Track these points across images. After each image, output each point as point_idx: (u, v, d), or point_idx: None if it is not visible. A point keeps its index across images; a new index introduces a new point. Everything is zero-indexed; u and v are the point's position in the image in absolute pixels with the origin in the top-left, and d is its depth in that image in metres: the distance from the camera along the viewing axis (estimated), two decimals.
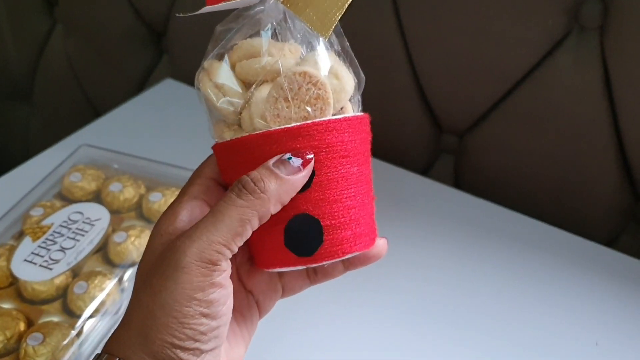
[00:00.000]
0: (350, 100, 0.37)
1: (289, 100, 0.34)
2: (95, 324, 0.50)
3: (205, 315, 0.32)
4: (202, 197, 0.36)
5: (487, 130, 0.70)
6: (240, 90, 0.36)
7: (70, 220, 0.57)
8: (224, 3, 0.36)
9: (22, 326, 0.49)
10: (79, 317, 0.49)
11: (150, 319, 0.31)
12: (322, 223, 0.35)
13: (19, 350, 0.47)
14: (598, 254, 0.61)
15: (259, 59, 0.35)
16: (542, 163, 0.67)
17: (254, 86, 0.35)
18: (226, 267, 0.32)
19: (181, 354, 0.31)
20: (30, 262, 0.53)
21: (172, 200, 0.58)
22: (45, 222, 0.57)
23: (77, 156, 0.66)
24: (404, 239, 0.61)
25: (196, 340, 0.32)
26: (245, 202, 0.32)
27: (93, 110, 1.02)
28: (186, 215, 0.34)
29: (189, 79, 0.87)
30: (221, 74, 0.36)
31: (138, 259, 0.54)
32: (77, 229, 0.56)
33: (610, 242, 0.68)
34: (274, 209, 0.33)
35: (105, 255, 0.55)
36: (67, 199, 0.61)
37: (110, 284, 0.52)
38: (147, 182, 0.63)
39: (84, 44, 0.98)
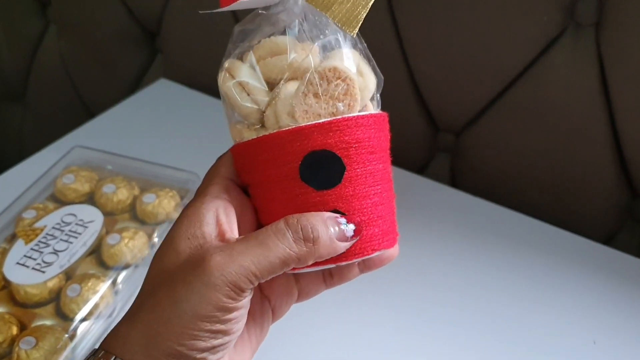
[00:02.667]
0: (371, 98, 0.37)
1: (319, 96, 0.34)
2: (89, 327, 0.49)
3: (220, 332, 0.31)
4: (223, 196, 0.35)
5: (483, 129, 0.69)
6: (265, 88, 0.35)
7: (63, 222, 0.57)
8: (240, 1, 0.35)
9: (14, 330, 0.48)
10: (72, 320, 0.49)
11: (163, 325, 0.31)
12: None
13: (11, 354, 0.46)
14: (595, 252, 0.60)
15: (284, 56, 0.35)
16: (538, 161, 0.67)
17: (281, 83, 0.35)
18: (250, 292, 0.32)
19: None
20: (23, 265, 0.53)
21: (166, 201, 0.59)
22: (38, 225, 0.56)
23: (70, 157, 0.66)
24: (401, 238, 0.61)
25: (204, 351, 0.31)
26: (295, 246, 0.32)
27: (87, 110, 1.02)
28: (212, 218, 0.33)
29: (183, 79, 0.87)
30: (244, 72, 0.35)
31: (132, 261, 0.54)
32: (70, 231, 0.56)
33: (608, 240, 0.68)
34: (312, 261, 0.33)
35: (98, 257, 0.55)
36: (60, 200, 0.61)
37: (103, 287, 0.51)
38: (141, 183, 0.62)
39: (78, 44, 0.97)
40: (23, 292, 0.51)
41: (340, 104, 0.34)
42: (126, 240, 0.55)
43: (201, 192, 0.35)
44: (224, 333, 0.31)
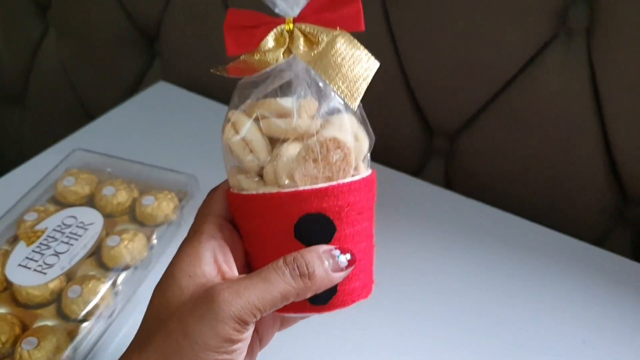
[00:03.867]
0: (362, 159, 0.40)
1: (317, 162, 0.36)
2: (90, 328, 0.50)
3: None
4: (219, 236, 0.37)
5: (477, 133, 0.70)
6: (267, 146, 0.37)
7: (64, 224, 0.58)
8: (255, 74, 0.37)
9: (16, 330, 0.49)
10: (73, 321, 0.50)
11: (177, 354, 0.33)
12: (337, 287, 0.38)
13: (13, 354, 0.47)
14: (587, 253, 0.61)
15: (289, 120, 0.37)
16: (531, 164, 0.68)
17: (284, 145, 0.37)
18: (253, 324, 0.35)
19: None
20: (25, 266, 0.53)
21: (165, 203, 0.60)
22: (39, 227, 0.57)
23: (71, 160, 0.67)
24: (396, 240, 0.62)
25: None
26: (294, 282, 0.34)
27: (86, 113, 1.02)
28: (210, 258, 0.36)
29: (182, 82, 0.88)
30: (248, 129, 0.37)
31: (131, 263, 0.55)
32: (70, 233, 0.57)
33: (599, 241, 0.69)
34: (311, 294, 0.36)
35: (98, 259, 0.56)
36: (60, 203, 0.62)
37: (104, 288, 0.52)
38: (140, 185, 0.63)
39: (77, 48, 0.98)
40: (25, 293, 0.52)
41: (335, 169, 0.36)
42: (126, 242, 0.56)
43: (197, 230, 0.37)
44: None
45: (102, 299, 0.51)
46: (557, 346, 0.52)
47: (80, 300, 0.51)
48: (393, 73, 0.71)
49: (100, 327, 0.51)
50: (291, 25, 0.38)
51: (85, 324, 0.50)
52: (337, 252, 0.36)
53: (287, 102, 0.37)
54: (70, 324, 0.50)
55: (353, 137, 0.37)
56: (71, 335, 0.49)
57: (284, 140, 0.37)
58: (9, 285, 0.52)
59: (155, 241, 0.58)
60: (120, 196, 0.61)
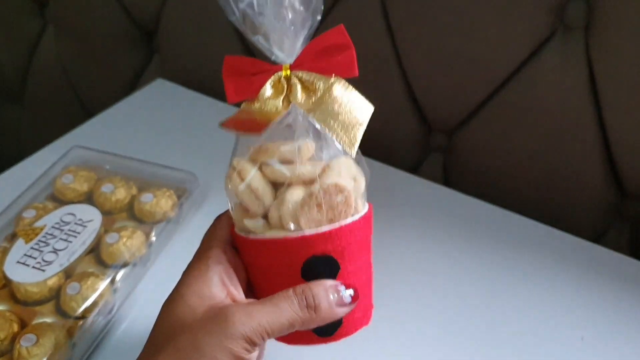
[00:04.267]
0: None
1: (321, 207, 0.38)
2: (88, 325, 0.50)
3: None
4: (224, 260, 0.39)
5: (475, 129, 0.70)
6: (271, 191, 0.39)
7: (62, 221, 0.58)
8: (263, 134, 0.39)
9: (15, 327, 0.49)
10: (72, 317, 0.50)
11: None
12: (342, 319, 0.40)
13: (12, 351, 0.47)
14: (585, 250, 0.61)
15: (292, 167, 0.38)
16: (529, 161, 0.68)
17: (288, 191, 0.38)
18: (259, 346, 0.37)
19: None
20: (23, 263, 0.53)
21: (163, 200, 0.60)
22: (38, 224, 0.57)
23: (69, 157, 0.67)
24: (393, 237, 0.62)
25: None
26: (301, 312, 0.37)
27: (85, 110, 1.02)
28: (218, 281, 0.38)
29: (180, 79, 0.88)
30: (253, 177, 0.39)
31: (130, 260, 0.55)
32: (69, 230, 0.57)
33: (597, 238, 0.69)
34: (315, 325, 0.38)
35: (97, 256, 0.56)
36: (59, 200, 0.62)
37: (102, 285, 0.52)
38: (138, 182, 0.63)
39: (75, 45, 0.98)
40: (23, 290, 0.52)
41: (338, 212, 0.39)
42: (124, 239, 0.56)
43: (204, 255, 0.40)
44: None
45: (100, 295, 0.52)
46: (556, 343, 0.52)
47: (79, 297, 0.51)
48: (391, 69, 0.71)
49: (99, 323, 0.51)
50: (288, 72, 0.39)
51: (84, 321, 0.50)
52: (342, 287, 0.38)
53: (289, 148, 0.39)
54: (69, 321, 0.50)
55: (352, 179, 0.40)
56: (70, 332, 0.49)
57: (288, 184, 0.38)
58: (7, 283, 0.53)
59: (154, 238, 0.58)
60: (118, 193, 0.61)
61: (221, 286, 0.38)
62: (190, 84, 0.87)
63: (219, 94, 0.84)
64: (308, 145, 0.39)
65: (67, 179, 0.62)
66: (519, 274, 0.58)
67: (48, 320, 0.50)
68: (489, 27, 0.63)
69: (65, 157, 0.67)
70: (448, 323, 0.53)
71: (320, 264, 0.39)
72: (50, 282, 0.52)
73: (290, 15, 0.38)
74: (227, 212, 0.43)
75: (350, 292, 0.39)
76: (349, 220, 0.39)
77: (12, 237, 0.57)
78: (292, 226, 0.38)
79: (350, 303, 0.38)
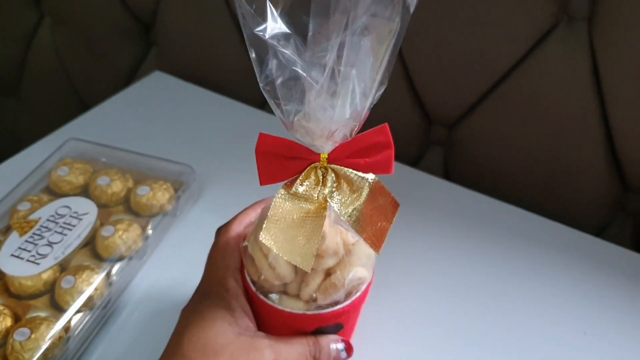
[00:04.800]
0: None
1: (336, 287, 0.40)
2: (83, 319, 0.49)
3: None
4: (240, 293, 0.42)
5: (476, 122, 0.70)
6: (291, 271, 0.40)
7: (57, 214, 0.57)
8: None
9: (9, 321, 0.48)
10: (66, 311, 0.49)
11: None
12: None
13: (5, 345, 0.47)
14: (587, 244, 0.61)
15: (322, 262, 0.40)
16: (530, 154, 0.67)
17: (310, 276, 0.40)
18: None
19: None
20: (17, 257, 0.53)
21: (160, 193, 0.59)
22: (33, 217, 0.56)
23: (65, 150, 0.66)
24: (393, 231, 0.61)
25: None
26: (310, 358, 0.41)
27: (81, 103, 1.02)
28: (240, 310, 0.41)
29: (178, 72, 0.87)
30: (275, 255, 0.40)
31: (126, 253, 0.54)
32: (64, 223, 0.56)
33: (599, 232, 0.68)
34: None
35: (93, 249, 0.55)
36: (54, 193, 0.61)
37: (98, 278, 0.51)
38: (135, 175, 0.63)
39: (72, 37, 0.97)
40: (17, 283, 0.51)
41: (354, 291, 0.42)
42: (120, 232, 0.55)
43: (222, 283, 0.42)
44: None
45: (96, 289, 0.51)
46: (558, 337, 0.51)
47: (74, 291, 0.50)
48: None
49: (94, 318, 0.50)
50: (326, 163, 0.38)
51: (78, 315, 0.49)
52: (341, 345, 0.43)
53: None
54: (63, 315, 0.49)
55: (368, 258, 0.42)
56: (65, 326, 0.48)
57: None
58: (1, 276, 0.52)
59: (150, 231, 0.57)
60: (115, 186, 0.60)
61: (245, 316, 0.41)
62: (187, 76, 0.86)
63: (216, 87, 0.83)
64: (334, 236, 0.40)
65: (62, 172, 0.61)
66: (520, 268, 0.58)
67: (42, 314, 0.49)
68: (491, 18, 0.62)
69: (60, 149, 0.66)
70: (448, 317, 0.53)
71: (329, 330, 0.43)
72: (45, 276, 0.52)
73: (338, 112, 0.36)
74: (231, 226, 0.45)
75: (344, 346, 0.43)
76: (361, 292, 0.42)
77: (6, 230, 0.56)
78: (309, 299, 0.41)
79: (346, 358, 0.43)
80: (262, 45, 0.33)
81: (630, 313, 0.54)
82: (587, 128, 0.63)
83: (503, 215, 0.64)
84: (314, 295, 0.40)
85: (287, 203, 0.37)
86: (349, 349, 0.43)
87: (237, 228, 0.45)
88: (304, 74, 0.33)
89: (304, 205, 0.37)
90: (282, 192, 0.38)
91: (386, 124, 0.37)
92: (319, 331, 0.43)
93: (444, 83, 0.69)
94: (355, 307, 0.43)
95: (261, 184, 0.39)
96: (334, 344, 0.42)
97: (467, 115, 0.70)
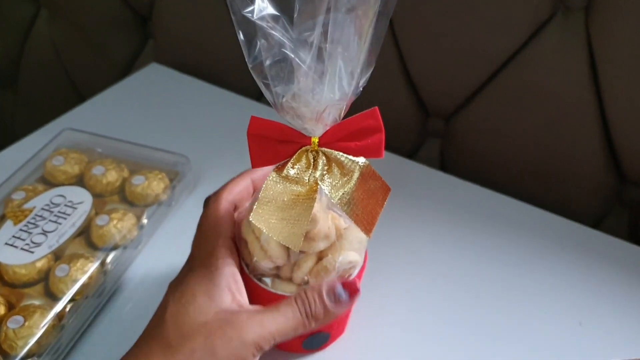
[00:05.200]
0: None
1: (330, 272, 0.41)
2: (77, 307, 0.49)
3: None
4: (232, 262, 0.41)
5: (473, 113, 0.69)
6: (283, 253, 0.40)
7: (52, 203, 0.57)
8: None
9: (2, 309, 0.48)
10: (60, 300, 0.49)
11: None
12: (331, 334, 0.47)
13: None
14: (583, 235, 0.61)
15: (313, 245, 0.40)
16: (527, 145, 0.67)
17: (302, 258, 0.41)
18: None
19: None
20: (12, 245, 0.53)
21: (155, 183, 0.59)
22: (27, 206, 0.56)
23: (60, 140, 0.66)
24: (390, 222, 0.61)
25: None
26: (302, 320, 0.39)
27: (78, 95, 1.01)
28: (225, 285, 0.40)
29: (175, 64, 0.87)
30: (267, 237, 0.40)
31: (120, 242, 0.54)
32: (59, 212, 0.56)
33: (596, 223, 0.68)
34: (317, 327, 0.41)
35: (87, 238, 0.55)
36: (49, 182, 0.61)
37: (92, 267, 0.51)
38: (130, 165, 0.62)
39: (69, 29, 0.97)
40: (12, 272, 0.51)
41: (346, 275, 0.42)
42: (115, 222, 0.55)
43: (212, 254, 0.41)
44: None
45: (90, 278, 0.51)
46: (554, 328, 0.51)
47: (68, 279, 0.50)
48: (388, 53, 0.70)
49: (88, 306, 0.50)
50: (316, 147, 0.38)
51: (73, 304, 0.49)
52: (339, 288, 0.40)
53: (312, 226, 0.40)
54: (57, 303, 0.49)
55: (360, 243, 0.42)
56: (59, 314, 0.48)
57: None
58: None
59: (145, 221, 0.57)
60: (110, 176, 0.60)
61: (227, 291, 0.39)
62: (184, 68, 0.86)
63: (212, 78, 0.83)
64: (327, 220, 0.40)
65: (57, 161, 0.61)
66: (516, 260, 0.58)
67: (36, 302, 0.49)
68: (488, 9, 0.62)
69: (56, 139, 0.66)
70: (443, 308, 0.53)
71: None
72: (39, 264, 0.51)
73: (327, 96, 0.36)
74: (222, 194, 0.43)
75: (347, 294, 0.41)
76: (354, 275, 0.43)
77: (1, 219, 0.56)
78: (301, 282, 0.41)
79: (349, 300, 0.41)
80: (251, 27, 0.33)
81: (626, 304, 0.54)
82: (584, 119, 0.63)
83: (499, 207, 0.64)
84: (306, 278, 0.41)
85: (278, 185, 0.38)
86: (349, 286, 0.41)
87: (227, 196, 0.44)
88: (292, 55, 0.33)
89: (294, 188, 0.37)
90: (274, 175, 0.38)
91: (376, 107, 0.37)
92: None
93: (440, 74, 0.69)
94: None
95: (253, 166, 0.39)
96: (326, 290, 0.40)
97: (463, 106, 0.70)
